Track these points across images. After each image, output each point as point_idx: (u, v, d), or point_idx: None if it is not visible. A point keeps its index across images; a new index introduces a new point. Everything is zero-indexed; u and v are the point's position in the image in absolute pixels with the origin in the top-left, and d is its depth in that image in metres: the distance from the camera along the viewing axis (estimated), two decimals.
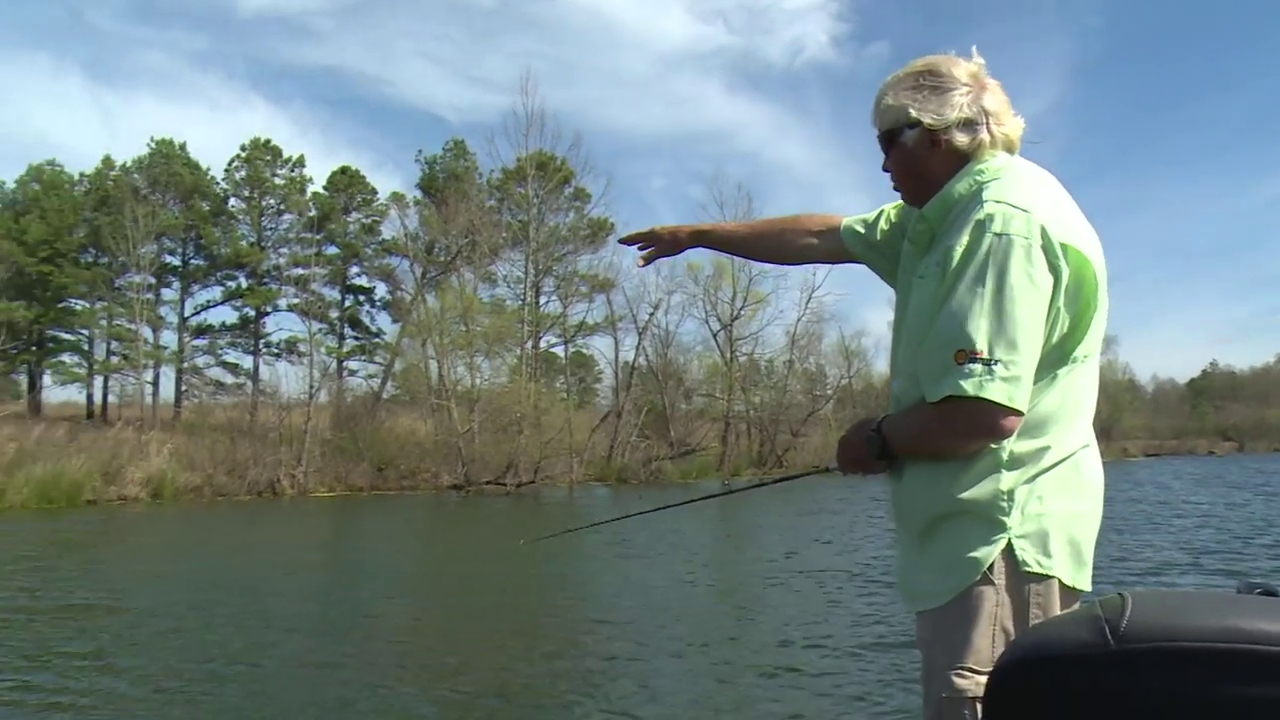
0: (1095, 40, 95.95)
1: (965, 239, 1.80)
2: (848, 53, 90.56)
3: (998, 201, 1.81)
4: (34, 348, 43.75)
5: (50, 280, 40.93)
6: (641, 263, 2.73)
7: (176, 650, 8.66)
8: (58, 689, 7.47)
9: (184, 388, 43.96)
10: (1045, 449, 1.83)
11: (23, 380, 45.77)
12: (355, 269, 47.42)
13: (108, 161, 44.33)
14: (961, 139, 1.95)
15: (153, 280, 42.27)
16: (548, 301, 42.43)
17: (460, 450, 32.37)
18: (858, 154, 76.36)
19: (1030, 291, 1.74)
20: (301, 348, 41.32)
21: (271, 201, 45.36)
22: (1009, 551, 1.80)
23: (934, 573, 1.87)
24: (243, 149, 44.65)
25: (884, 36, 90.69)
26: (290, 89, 79.15)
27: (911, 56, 2.05)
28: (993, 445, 1.81)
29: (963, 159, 1.96)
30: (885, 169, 2.10)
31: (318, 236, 43.23)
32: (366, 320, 48.09)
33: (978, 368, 1.73)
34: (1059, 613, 1.78)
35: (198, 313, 45.48)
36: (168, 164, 43.18)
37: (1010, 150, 1.99)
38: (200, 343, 45.49)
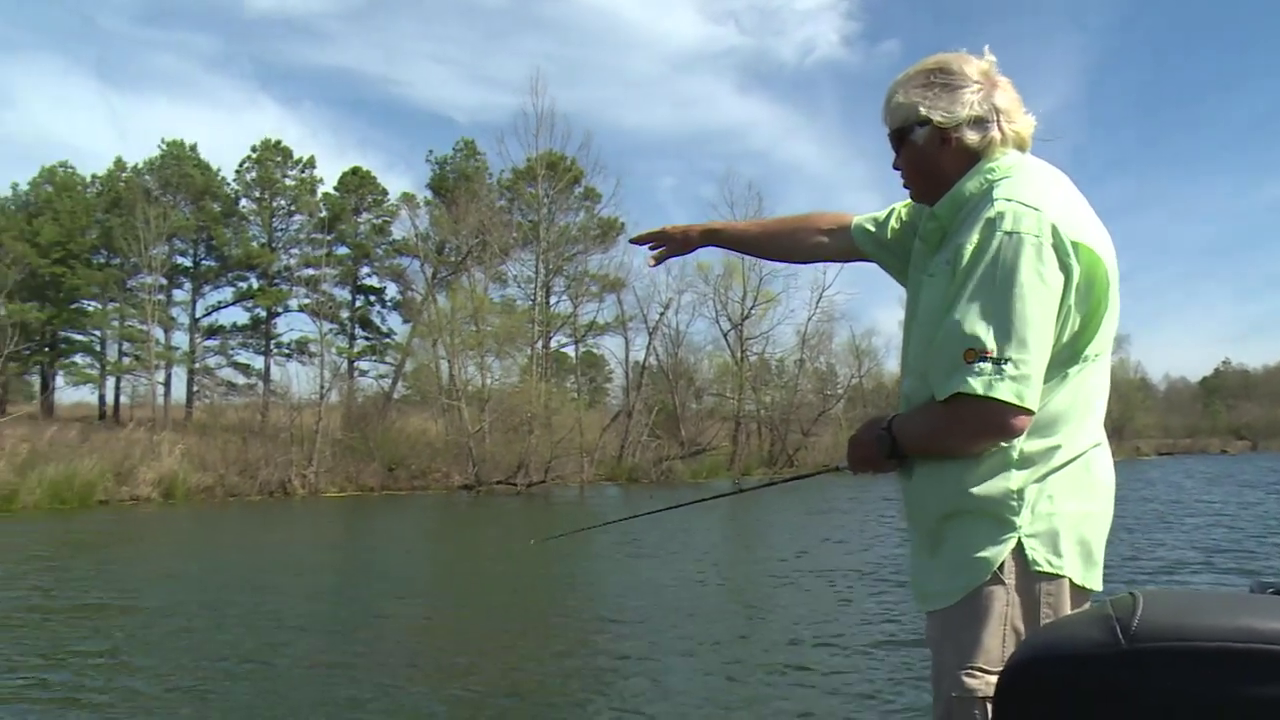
0: (1105, 38, 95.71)
1: (976, 237, 1.79)
2: (858, 51, 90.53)
3: (1008, 200, 1.80)
4: (47, 349, 43.98)
5: (63, 282, 41.13)
6: (653, 262, 2.73)
7: (189, 649, 8.68)
8: (74, 686, 7.53)
9: (195, 388, 44.18)
10: (1056, 448, 1.83)
11: (36, 381, 46.04)
12: (366, 269, 47.53)
13: (119, 163, 44.60)
14: (972, 137, 1.94)
15: (164, 281, 42.40)
16: (558, 301, 42.48)
17: (471, 450, 32.41)
18: (869, 152, 76.40)
19: (1041, 290, 1.74)
20: (312, 348, 41.51)
21: (282, 202, 45.48)
22: (1019, 551, 1.79)
23: (944, 572, 1.86)
24: (253, 150, 44.85)
25: (895, 35, 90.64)
26: (300, 90, 79.48)
27: (922, 55, 2.04)
28: (1003, 444, 1.80)
29: (974, 157, 1.95)
30: (896, 167, 2.09)
31: (328, 237, 43.32)
32: (377, 320, 48.21)
33: (987, 366, 1.73)
34: (1070, 612, 1.78)
35: (209, 313, 45.75)
36: (179, 165, 43.34)
37: (1022, 148, 1.98)
38: (212, 343, 45.70)
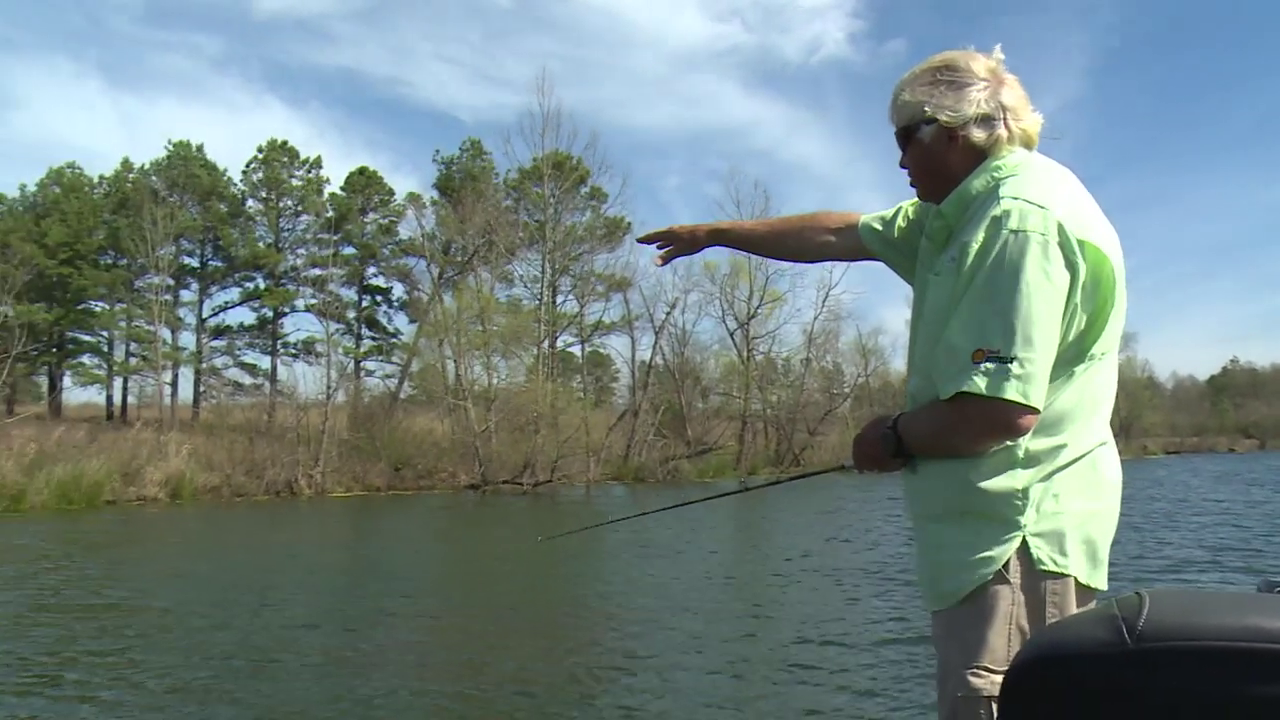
0: (1112, 36, 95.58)
1: (981, 235, 1.79)
2: (864, 50, 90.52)
3: (1014, 198, 1.80)
4: (54, 349, 44.12)
5: (70, 282, 41.24)
6: (660, 262, 2.73)
7: (198, 648, 8.71)
8: (84, 683, 7.59)
9: (202, 388, 44.22)
10: (1062, 447, 1.82)
11: (43, 382, 46.17)
12: (372, 269, 47.61)
13: (126, 164, 44.71)
14: (979, 135, 1.93)
15: (171, 282, 42.47)
16: (564, 301, 42.52)
17: (477, 450, 32.42)
18: (875, 151, 76.46)
19: (1046, 288, 1.73)
20: (319, 348, 41.54)
21: (289, 203, 45.55)
22: (1024, 550, 1.79)
23: (949, 570, 1.85)
24: (260, 150, 44.88)
25: (901, 33, 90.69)
26: (307, 91, 79.65)
27: (929, 53, 2.03)
28: (1008, 443, 1.79)
29: (980, 155, 1.94)
30: (903, 165, 2.08)
31: (335, 237, 43.38)
32: (384, 320, 48.34)
33: (993, 365, 1.72)
34: (1075, 611, 1.77)
35: (216, 314, 45.86)
36: (185, 166, 43.43)
37: (1029, 146, 1.98)
38: (218, 344, 45.77)
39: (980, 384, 1.73)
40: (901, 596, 10.64)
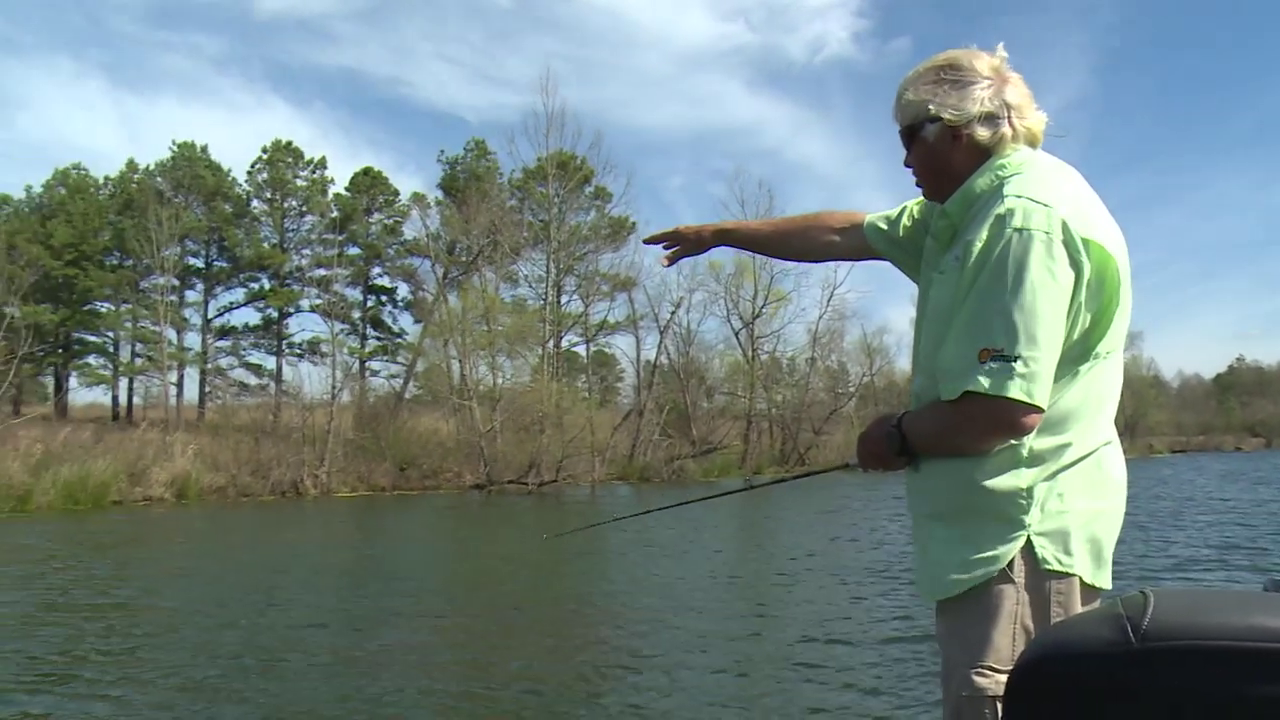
0: (1117, 33, 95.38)
1: (985, 234, 1.78)
2: (869, 49, 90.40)
3: (1018, 196, 1.79)
4: (60, 350, 44.23)
5: (76, 283, 41.33)
6: (666, 262, 2.73)
7: (206, 647, 8.73)
8: (94, 681, 7.65)
9: (208, 389, 44.27)
10: (1066, 446, 1.82)
11: (50, 383, 46.26)
12: (377, 269, 47.61)
13: (131, 165, 44.78)
14: (983, 133, 1.93)
15: (176, 282, 42.52)
16: (569, 300, 42.55)
17: (482, 450, 32.45)
18: (880, 150, 76.38)
19: (1051, 287, 1.72)
20: (324, 348, 41.64)
21: (293, 203, 45.58)
22: (1029, 549, 1.78)
23: (952, 569, 1.85)
24: (264, 151, 44.94)
25: (905, 32, 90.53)
26: (310, 91, 79.66)
27: (933, 52, 2.03)
28: (1013, 442, 1.79)
29: (984, 154, 1.94)
30: (907, 165, 2.08)
31: (340, 237, 43.40)
32: (389, 320, 48.33)
33: (997, 364, 1.72)
34: (1080, 611, 1.77)
35: (221, 314, 45.88)
36: (190, 166, 43.48)
37: (1033, 144, 1.97)
38: (224, 344, 45.80)
39: (984, 383, 1.73)
40: (906, 595, 10.63)
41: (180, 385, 43.23)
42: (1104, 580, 1.85)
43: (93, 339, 45.27)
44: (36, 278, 38.16)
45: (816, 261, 2.68)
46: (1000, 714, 1.69)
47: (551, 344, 39.03)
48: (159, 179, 43.36)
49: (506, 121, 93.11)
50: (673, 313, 41.37)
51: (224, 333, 45.73)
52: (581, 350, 45.65)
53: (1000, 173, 1.90)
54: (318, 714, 6.72)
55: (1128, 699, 1.17)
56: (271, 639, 9.13)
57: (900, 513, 20.52)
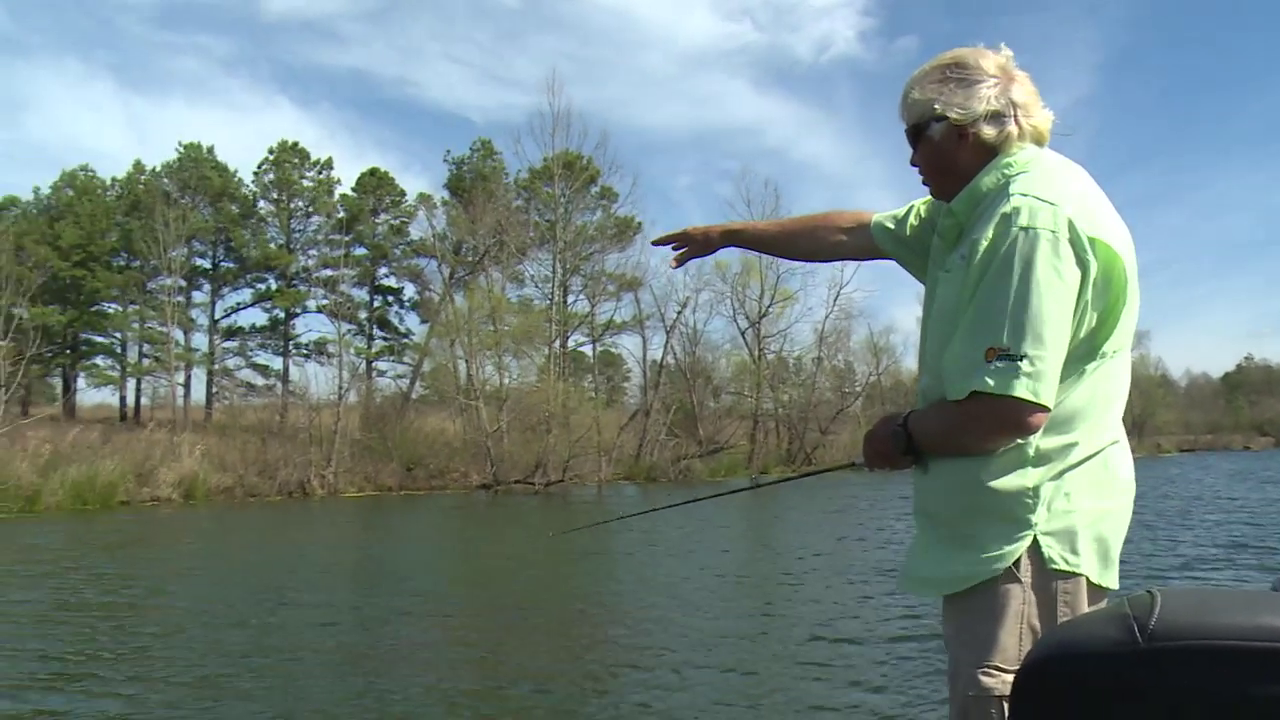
0: (1125, 31, 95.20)
1: (991, 233, 1.78)
2: (875, 48, 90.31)
3: (1024, 195, 1.79)
4: (68, 351, 44.34)
5: (83, 284, 41.44)
6: (675, 264, 2.73)
7: (217, 646, 8.77)
8: (103, 679, 7.70)
9: (215, 389, 44.39)
10: (1073, 445, 1.81)
11: (57, 383, 46.38)
12: (384, 270, 47.68)
13: (138, 166, 44.86)
14: (989, 132, 1.92)
15: (183, 283, 42.64)
16: (575, 300, 42.50)
17: (489, 450, 32.47)
18: (886, 149, 76.11)
19: (1057, 285, 1.72)
20: (331, 349, 41.70)
21: (300, 204, 45.64)
22: (1035, 549, 1.78)
23: (958, 569, 1.85)
24: (271, 152, 45.01)
25: (911, 31, 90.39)
26: (317, 92, 79.73)
27: (939, 51, 2.02)
28: (1019, 441, 1.79)
29: (991, 152, 1.94)
30: (913, 164, 2.07)
31: (346, 238, 43.48)
32: (395, 321, 48.36)
33: (1003, 363, 1.71)
34: (1087, 610, 1.77)
35: (228, 315, 45.96)
36: (197, 167, 43.55)
37: (1039, 143, 1.97)
38: (230, 344, 45.90)
39: (990, 382, 1.72)
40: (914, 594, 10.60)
41: (187, 386, 43.43)
42: (1111, 580, 1.84)
43: (100, 340, 45.41)
44: (44, 279, 38.26)
45: (824, 261, 2.68)
46: (1007, 714, 1.69)
47: (558, 344, 39.02)
48: (166, 180, 43.44)
49: (513, 122, 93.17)
50: (679, 312, 41.43)
51: (231, 333, 45.85)
52: (588, 350, 45.66)
53: (1006, 171, 1.89)
54: (327, 712, 6.75)
55: (1134, 699, 1.17)
56: (281, 638, 9.16)
57: (907, 512, 20.32)
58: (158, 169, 44.27)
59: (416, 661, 8.26)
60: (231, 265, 45.49)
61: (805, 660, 7.92)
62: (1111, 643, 1.18)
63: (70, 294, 41.73)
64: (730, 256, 41.13)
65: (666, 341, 41.18)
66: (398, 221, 46.87)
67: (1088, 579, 1.80)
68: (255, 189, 45.56)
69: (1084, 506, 1.81)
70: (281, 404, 38.09)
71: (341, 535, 20.75)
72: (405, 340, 47.32)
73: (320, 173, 45.58)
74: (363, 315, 46.54)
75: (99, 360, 45.61)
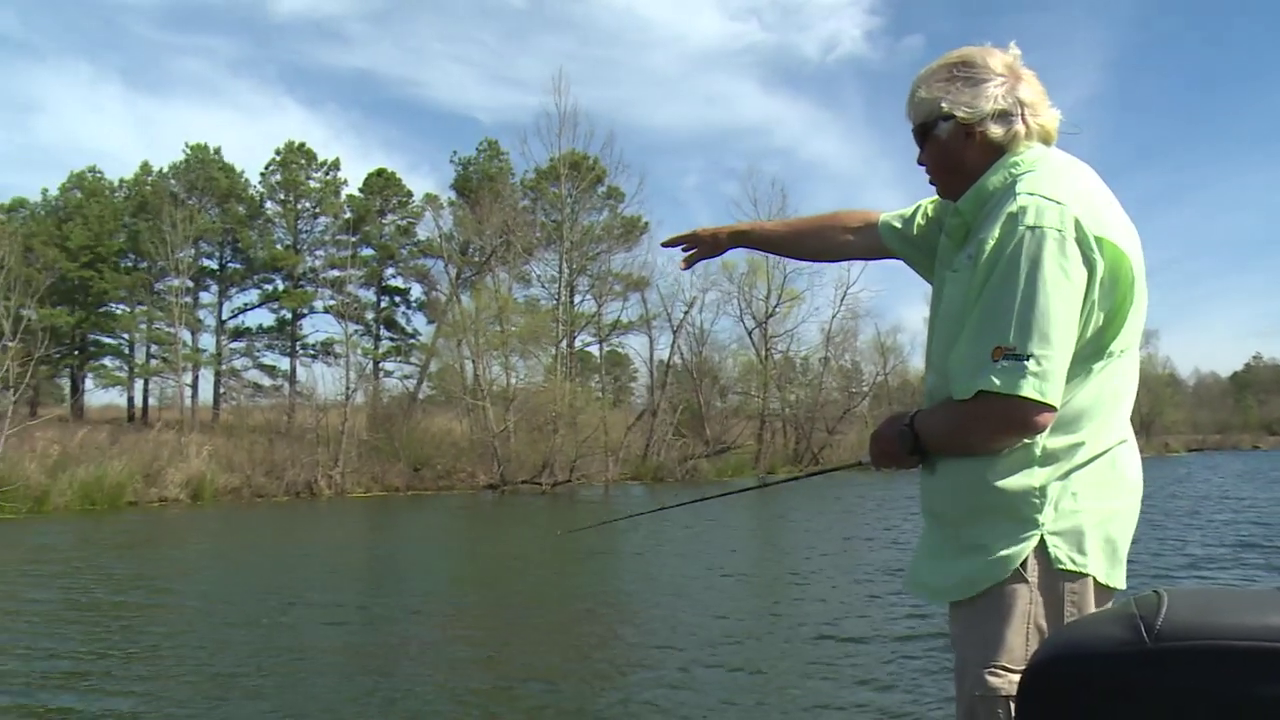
0: (1133, 30, 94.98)
1: (997, 232, 1.78)
2: (882, 47, 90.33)
3: (1031, 194, 1.78)
4: (76, 352, 44.48)
5: (91, 285, 41.56)
6: (684, 265, 2.74)
7: (226, 645, 8.80)
8: (113, 677, 7.75)
9: (222, 390, 44.45)
10: (1080, 445, 1.81)
11: (66, 384, 46.51)
12: (391, 270, 47.70)
13: (146, 167, 44.92)
14: (996, 131, 1.91)
15: (191, 284, 42.71)
16: (582, 300, 42.51)
17: (496, 450, 32.48)
18: (893, 148, 76.32)
19: (1064, 285, 1.71)
20: (338, 349, 41.71)
21: (307, 204, 45.69)
22: (1042, 549, 1.77)
23: (964, 568, 1.84)
24: (277, 153, 45.03)
25: (918, 30, 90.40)
26: (324, 93, 80.00)
27: (946, 50, 2.02)
28: (1026, 441, 1.78)
29: (998, 151, 1.93)
30: (920, 163, 2.07)
31: (353, 239, 43.49)
32: (402, 321, 48.43)
33: (1009, 363, 1.71)
34: (1094, 610, 1.76)
35: (235, 315, 46.04)
36: (204, 169, 43.63)
37: (1047, 142, 1.96)
38: (238, 345, 45.96)
39: (997, 381, 1.72)
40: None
41: (195, 386, 43.47)
42: (1118, 580, 1.84)
43: (108, 341, 45.54)
44: (53, 280, 38.34)
45: (832, 261, 2.67)
46: (1014, 714, 1.68)
47: (564, 344, 39.04)
48: (173, 181, 43.52)
49: (519, 122, 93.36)
50: (686, 312, 41.43)
51: (238, 334, 45.93)
52: (595, 350, 45.73)
53: (1013, 170, 1.89)
54: (336, 710, 6.77)
55: (1141, 699, 1.17)
56: (289, 637, 9.19)
57: (914, 512, 20.44)
58: (165, 170, 44.40)
59: (425, 660, 8.27)
60: (239, 266, 45.60)
61: (812, 659, 7.92)
62: (1118, 643, 1.18)
63: (78, 295, 41.86)
64: (737, 256, 41.09)
65: (673, 341, 41.23)
66: (404, 222, 46.98)
67: (1095, 579, 1.79)
68: (262, 190, 45.63)
69: (1091, 506, 1.80)
70: (289, 404, 38.19)
71: (349, 535, 20.77)
72: (412, 340, 47.47)
73: (327, 173, 45.66)
74: (370, 316, 46.58)
75: (107, 361, 45.78)
